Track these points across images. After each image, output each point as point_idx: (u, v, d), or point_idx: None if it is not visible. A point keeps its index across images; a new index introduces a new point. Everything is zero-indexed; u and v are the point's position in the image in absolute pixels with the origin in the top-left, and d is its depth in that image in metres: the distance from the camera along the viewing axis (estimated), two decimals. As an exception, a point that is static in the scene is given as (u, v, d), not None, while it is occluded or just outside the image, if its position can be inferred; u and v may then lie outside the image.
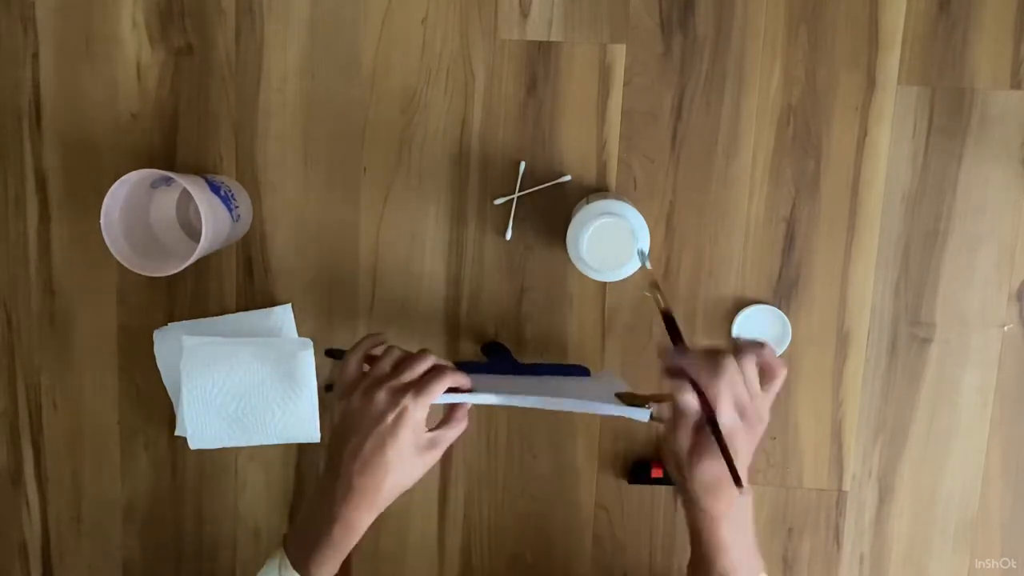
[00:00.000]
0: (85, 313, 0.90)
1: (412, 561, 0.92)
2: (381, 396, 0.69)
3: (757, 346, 0.67)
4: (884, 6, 0.82)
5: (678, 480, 0.69)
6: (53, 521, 0.94)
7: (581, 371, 0.83)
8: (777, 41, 0.83)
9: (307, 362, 0.85)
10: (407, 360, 0.72)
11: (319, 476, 0.72)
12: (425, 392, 0.69)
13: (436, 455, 0.72)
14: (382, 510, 0.71)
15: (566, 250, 0.78)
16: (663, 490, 0.90)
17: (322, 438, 0.88)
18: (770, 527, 0.90)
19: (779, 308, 0.86)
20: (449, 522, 0.92)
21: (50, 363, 0.91)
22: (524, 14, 0.84)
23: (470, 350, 0.88)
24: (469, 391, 0.73)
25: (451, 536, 0.92)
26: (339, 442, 0.71)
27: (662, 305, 0.69)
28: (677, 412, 0.67)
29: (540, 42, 0.84)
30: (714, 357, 0.65)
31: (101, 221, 0.78)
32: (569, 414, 0.89)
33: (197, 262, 0.81)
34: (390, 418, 0.69)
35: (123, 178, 0.78)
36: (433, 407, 0.71)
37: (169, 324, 0.89)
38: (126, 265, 0.79)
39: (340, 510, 0.69)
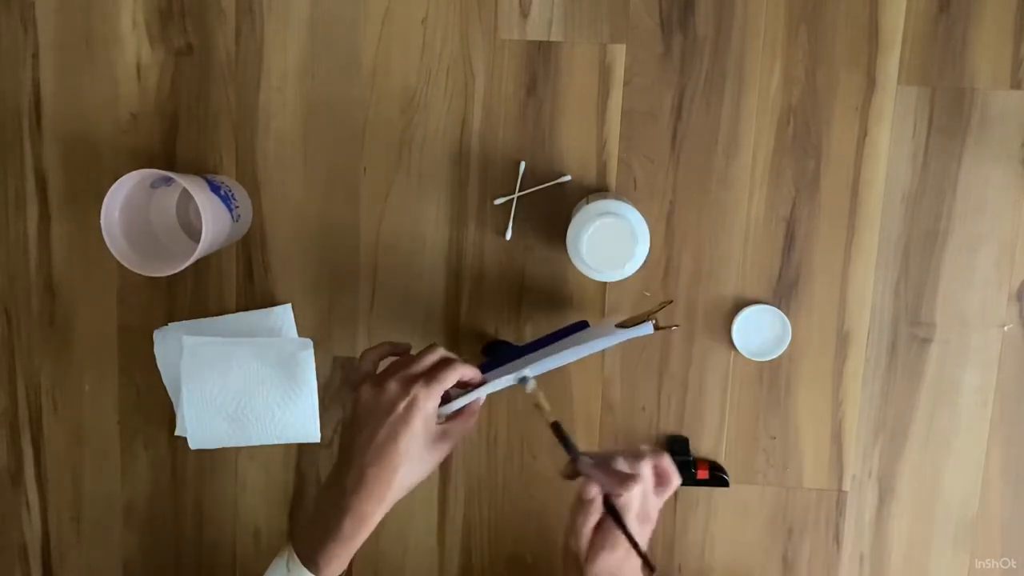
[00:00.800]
0: (85, 313, 0.90)
1: (412, 561, 0.92)
2: (392, 386, 0.70)
3: (656, 455, 0.73)
4: (884, 6, 0.82)
5: None
6: (53, 521, 0.94)
7: (582, 326, 0.82)
8: (777, 41, 0.83)
9: (307, 362, 0.85)
10: (417, 355, 0.73)
11: (330, 470, 0.72)
12: (436, 381, 0.70)
13: (447, 448, 0.72)
14: (393, 503, 0.70)
15: (566, 250, 0.78)
16: (663, 490, 0.90)
17: (322, 438, 0.88)
18: (770, 527, 0.90)
19: (779, 308, 0.86)
20: (449, 522, 0.92)
21: (50, 363, 0.91)
22: (524, 14, 0.84)
23: (470, 350, 0.88)
24: (480, 384, 0.74)
25: (451, 536, 0.92)
26: (350, 433, 0.71)
27: (549, 418, 0.73)
28: (581, 512, 0.70)
29: (540, 42, 0.84)
30: (626, 466, 0.71)
31: (101, 221, 0.78)
32: (569, 412, 0.89)
33: (197, 262, 0.81)
34: (401, 407, 0.69)
35: (123, 178, 0.78)
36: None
37: (169, 324, 0.89)
38: (126, 265, 0.79)
39: (351, 501, 0.69)
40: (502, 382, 0.74)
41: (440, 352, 0.73)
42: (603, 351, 0.87)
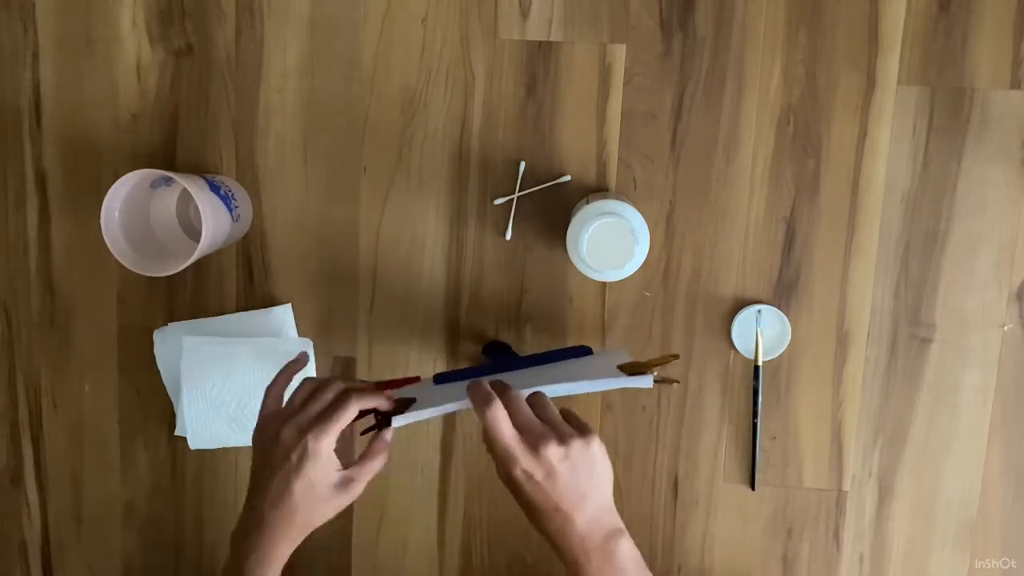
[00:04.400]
0: (85, 313, 0.90)
1: (412, 561, 0.92)
2: (285, 434, 0.69)
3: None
4: (884, 6, 0.82)
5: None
6: (53, 521, 0.94)
7: (583, 351, 0.81)
8: (777, 41, 0.83)
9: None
10: (318, 390, 0.71)
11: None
12: (326, 430, 0.68)
13: (356, 489, 0.70)
14: (300, 541, 0.71)
15: (566, 250, 0.78)
16: (664, 490, 0.90)
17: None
18: (770, 527, 0.90)
19: (779, 308, 0.86)
20: (449, 522, 0.92)
21: (50, 363, 0.91)
22: (524, 14, 0.84)
23: (470, 350, 0.89)
24: (394, 411, 0.71)
25: (451, 536, 0.92)
26: (254, 477, 0.71)
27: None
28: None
29: (540, 42, 0.84)
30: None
31: (101, 221, 0.78)
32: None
33: (197, 262, 0.81)
34: (294, 458, 0.68)
35: (123, 178, 0.78)
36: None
37: (169, 324, 0.89)
38: (126, 265, 0.79)
39: (256, 541, 0.70)
40: (447, 406, 0.71)
41: (338, 386, 0.71)
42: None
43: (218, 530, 0.93)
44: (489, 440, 0.66)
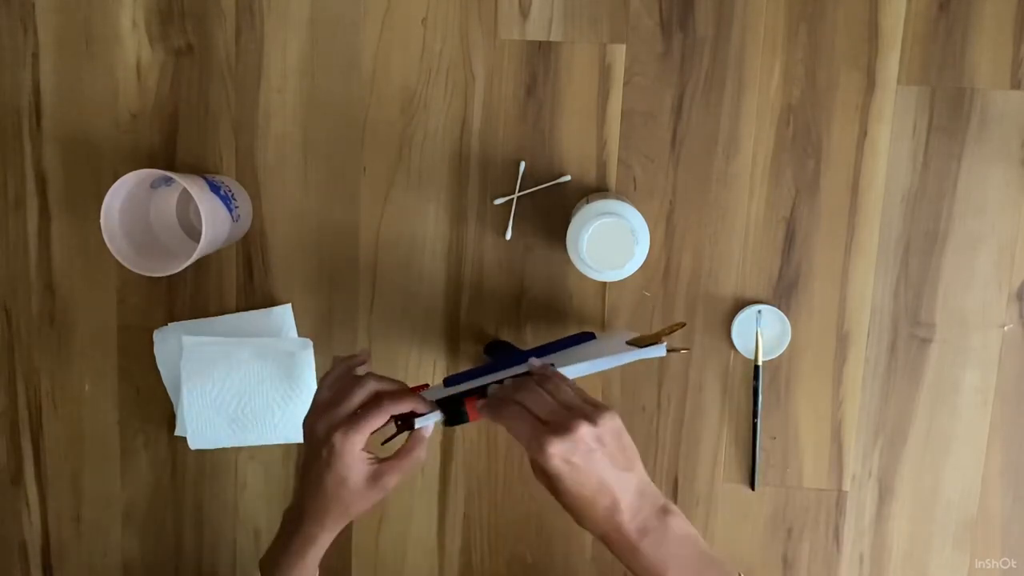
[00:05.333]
0: (85, 313, 0.90)
1: (412, 561, 0.92)
2: (319, 429, 0.70)
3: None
4: (884, 6, 0.82)
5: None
6: (53, 521, 0.94)
7: (587, 337, 0.81)
8: (777, 41, 0.83)
9: (307, 362, 0.86)
10: (345, 388, 0.71)
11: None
12: (355, 429, 0.68)
13: (388, 484, 0.70)
14: (338, 529, 0.72)
15: (566, 250, 0.78)
16: (664, 490, 0.89)
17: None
18: (770, 527, 0.90)
19: (779, 308, 0.86)
20: (449, 522, 0.92)
21: (50, 363, 0.91)
22: (524, 14, 0.84)
23: (471, 350, 0.89)
24: (425, 413, 0.71)
25: (451, 536, 0.92)
26: (302, 462, 0.73)
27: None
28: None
29: (540, 42, 0.84)
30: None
31: (101, 221, 0.78)
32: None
33: (197, 262, 0.81)
34: (324, 453, 0.69)
35: (123, 178, 0.78)
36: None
37: (169, 324, 0.89)
38: (126, 265, 0.79)
39: (299, 524, 0.72)
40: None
41: (369, 388, 0.71)
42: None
43: (218, 530, 0.93)
44: (522, 440, 0.64)
